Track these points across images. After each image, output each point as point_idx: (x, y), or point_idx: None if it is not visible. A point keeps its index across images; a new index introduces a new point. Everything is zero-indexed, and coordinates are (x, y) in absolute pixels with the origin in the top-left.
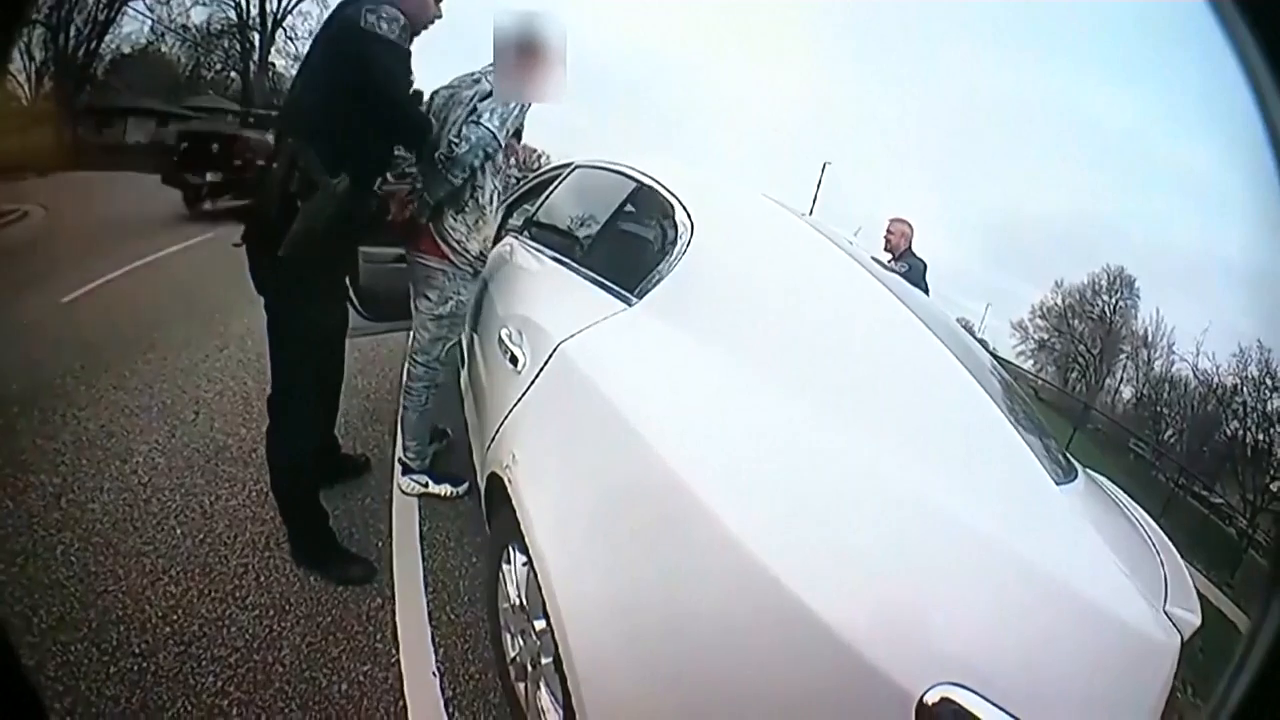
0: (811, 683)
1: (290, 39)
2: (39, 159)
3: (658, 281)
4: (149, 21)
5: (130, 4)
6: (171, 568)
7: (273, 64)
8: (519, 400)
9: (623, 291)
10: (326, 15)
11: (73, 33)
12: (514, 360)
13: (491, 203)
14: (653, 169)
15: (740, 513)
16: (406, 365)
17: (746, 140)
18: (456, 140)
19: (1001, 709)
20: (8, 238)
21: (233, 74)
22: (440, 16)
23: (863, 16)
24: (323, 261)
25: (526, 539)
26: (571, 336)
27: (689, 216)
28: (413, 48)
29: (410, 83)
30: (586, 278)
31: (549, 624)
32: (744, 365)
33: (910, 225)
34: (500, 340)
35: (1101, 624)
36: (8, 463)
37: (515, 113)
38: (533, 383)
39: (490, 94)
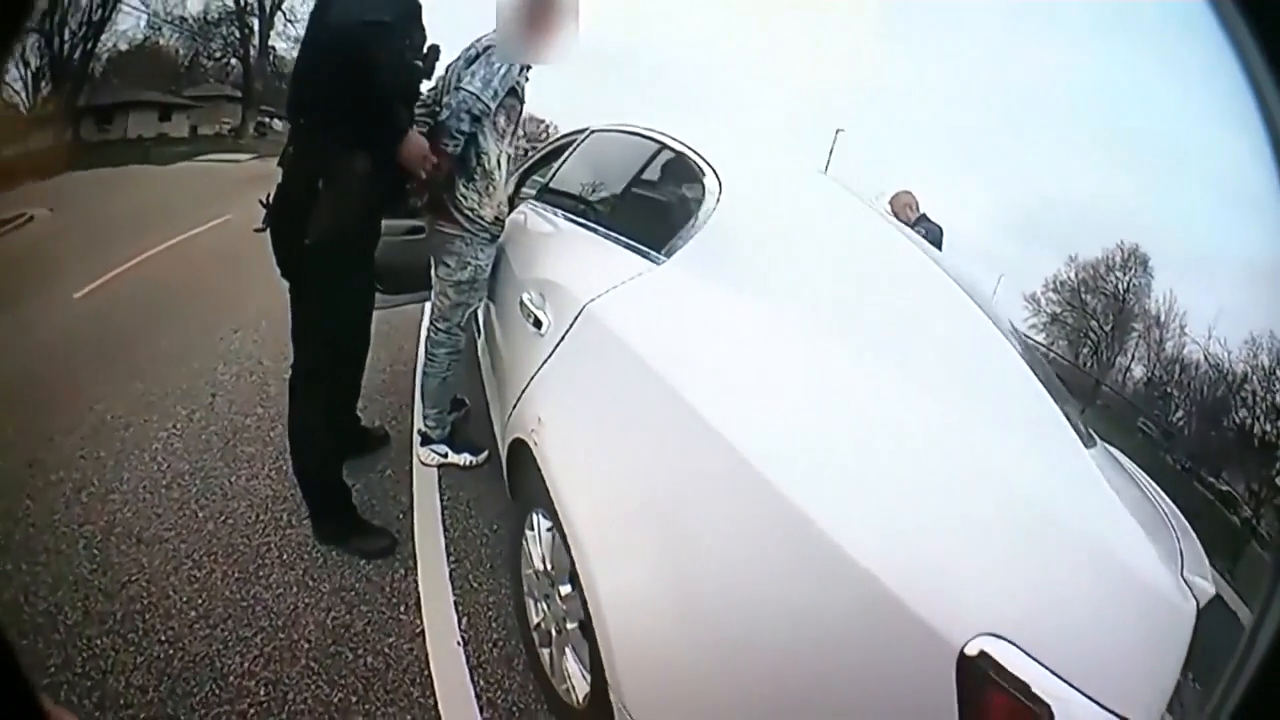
0: (854, 634)
1: (290, 21)
2: (38, 164)
3: (686, 240)
4: (144, 16)
5: (124, 0)
6: (194, 552)
7: (273, 48)
8: (544, 363)
9: (650, 250)
10: None
11: (67, 36)
12: (537, 324)
13: (499, 167)
14: (676, 130)
15: (781, 465)
16: (428, 333)
17: (764, 108)
18: (443, 109)
19: (1037, 660)
20: (13, 244)
21: (233, 60)
22: None
23: None
24: (353, 246)
25: (555, 503)
26: (598, 297)
27: (716, 174)
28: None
29: (399, 56)
30: (611, 239)
31: (576, 589)
32: (779, 319)
33: (913, 195)
34: (522, 304)
35: (1131, 584)
36: (29, 461)
37: (501, 72)
38: (558, 345)
39: (476, 57)
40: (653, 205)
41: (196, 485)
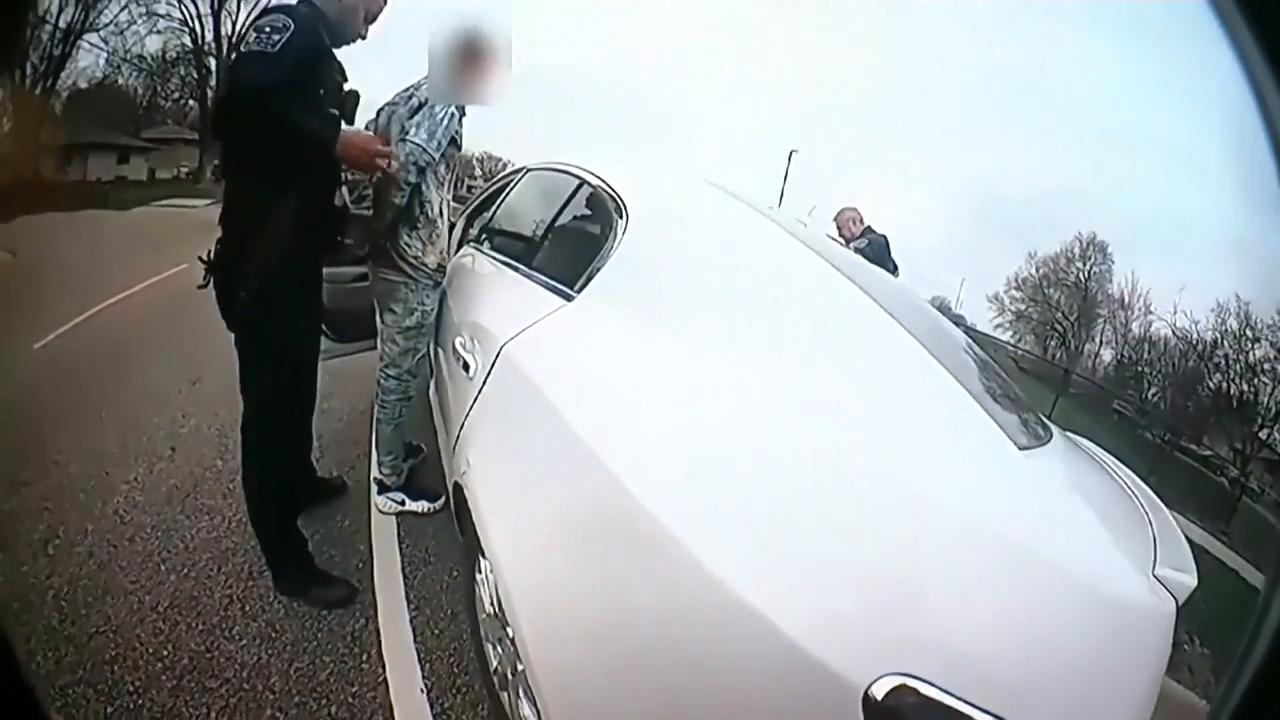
0: (757, 681)
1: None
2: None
3: (596, 273)
4: (104, 54)
5: (85, 36)
6: (159, 604)
7: None
8: (471, 406)
9: (563, 287)
10: None
11: (29, 70)
12: (466, 367)
13: (441, 215)
14: (590, 162)
15: (678, 511)
16: (379, 380)
17: (712, 123)
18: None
19: (958, 697)
20: None
21: (190, 101)
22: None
23: None
24: (287, 293)
25: (484, 547)
26: (513, 337)
27: (623, 205)
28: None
29: (292, 88)
30: (530, 278)
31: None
32: (683, 352)
33: (857, 210)
34: (454, 348)
35: (1081, 595)
36: None
37: (445, 123)
38: (481, 388)
39: (419, 108)
40: (570, 241)
41: (158, 538)
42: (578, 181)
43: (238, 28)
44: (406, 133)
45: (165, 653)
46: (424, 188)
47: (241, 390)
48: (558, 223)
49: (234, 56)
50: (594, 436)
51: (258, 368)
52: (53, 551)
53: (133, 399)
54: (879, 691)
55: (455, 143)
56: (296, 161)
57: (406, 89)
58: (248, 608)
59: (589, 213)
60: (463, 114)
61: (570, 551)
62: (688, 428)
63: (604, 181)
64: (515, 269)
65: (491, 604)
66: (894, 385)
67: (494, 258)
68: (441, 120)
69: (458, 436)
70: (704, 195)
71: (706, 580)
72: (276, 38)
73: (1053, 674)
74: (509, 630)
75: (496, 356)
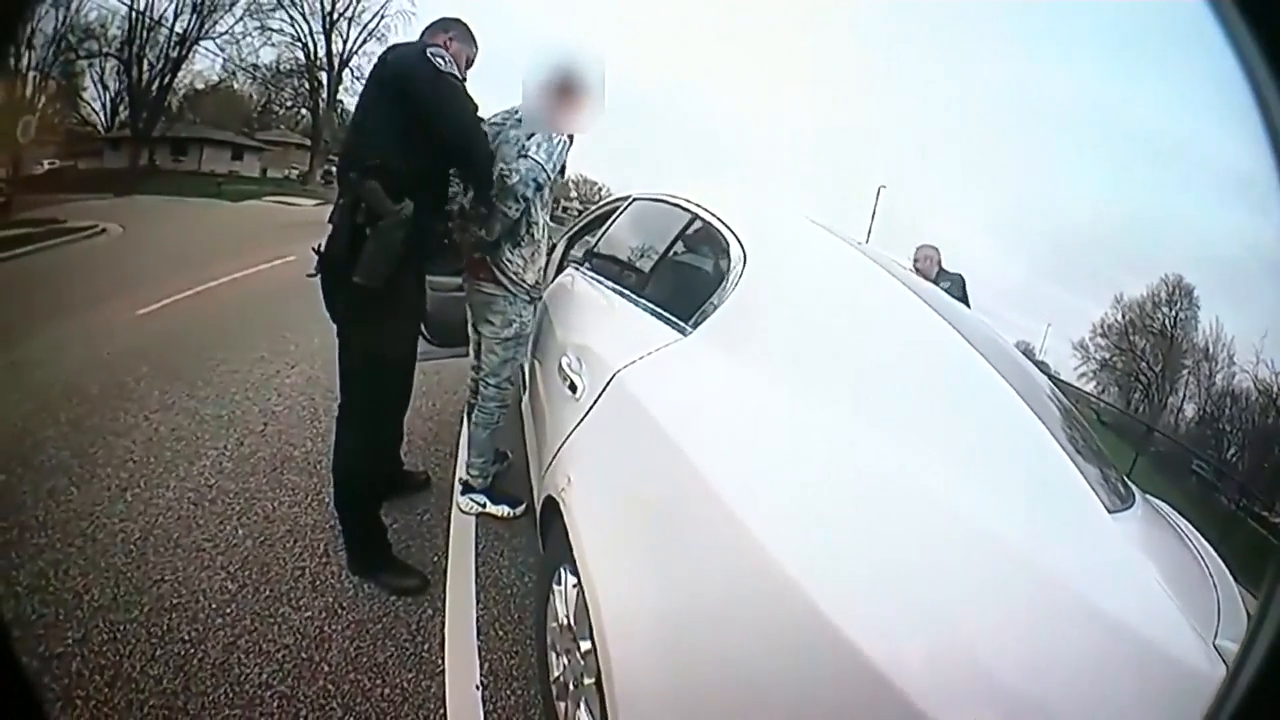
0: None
1: (357, 79)
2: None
3: (712, 311)
4: (219, 60)
5: (200, 43)
6: (229, 564)
7: (340, 102)
8: (576, 426)
9: (678, 321)
10: (377, 57)
11: (145, 67)
12: (573, 387)
13: (544, 235)
14: (704, 199)
15: (787, 542)
16: (479, 388)
17: (791, 168)
18: (508, 173)
19: None
20: (85, 251)
21: (303, 110)
22: (473, 63)
23: (885, 32)
24: (392, 289)
25: (577, 561)
26: (628, 365)
27: (741, 245)
28: None
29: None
30: (644, 308)
31: (593, 645)
32: (797, 393)
33: (936, 249)
34: (560, 368)
35: (1149, 657)
36: (76, 454)
37: (560, 148)
38: (590, 410)
39: (516, 128)
40: (683, 275)
41: (240, 504)
42: (690, 216)
43: (348, 46)
44: (527, 151)
45: (228, 610)
46: (532, 208)
47: (340, 377)
48: (669, 255)
49: (428, 69)
50: (707, 466)
51: (359, 362)
52: (130, 499)
53: (231, 373)
54: None
55: (561, 170)
56: (434, 169)
57: (515, 109)
58: (317, 582)
59: (703, 248)
60: (572, 141)
61: (670, 574)
62: (796, 466)
63: (718, 218)
64: (626, 296)
65: (566, 615)
66: (994, 441)
67: (601, 282)
68: (558, 144)
69: (556, 452)
70: (819, 240)
71: (809, 613)
72: (455, 66)
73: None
74: (580, 643)
75: (609, 382)
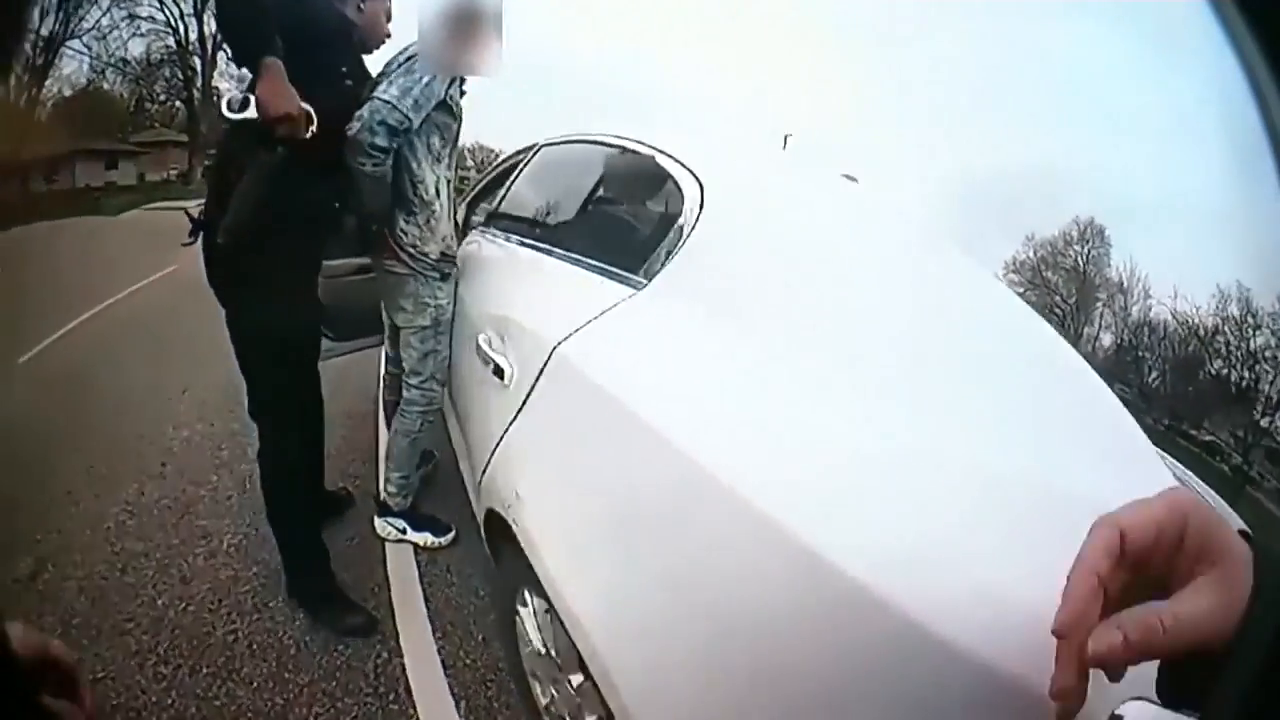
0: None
1: (230, 61)
2: None
3: (668, 257)
4: (87, 59)
5: (66, 44)
6: (158, 645)
7: (216, 88)
8: (513, 421)
9: (625, 274)
10: None
11: (12, 82)
12: (499, 372)
13: (439, 195)
14: (638, 133)
15: (792, 515)
16: (402, 389)
17: (705, 108)
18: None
19: None
20: None
21: (177, 103)
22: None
23: None
24: (275, 250)
25: (549, 594)
26: (569, 336)
27: (696, 180)
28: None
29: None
30: (577, 264)
31: (591, 682)
32: (780, 344)
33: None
34: (479, 348)
35: None
36: None
37: (424, 82)
38: (527, 398)
39: (389, 72)
40: (620, 221)
41: (152, 568)
42: (617, 151)
43: None
44: (375, 90)
45: (169, 701)
46: (413, 164)
47: (241, 368)
48: (596, 202)
49: None
50: (702, 448)
51: (252, 348)
52: (42, 586)
53: (120, 412)
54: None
55: (451, 111)
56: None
57: (400, 55)
58: (255, 645)
59: (641, 189)
60: (461, 84)
61: (673, 583)
62: (790, 432)
63: (662, 153)
64: (549, 253)
65: (542, 642)
66: (1046, 388)
67: (515, 242)
68: (420, 79)
69: (492, 453)
70: (791, 174)
71: (885, 610)
72: None
73: None
74: (570, 677)
75: (548, 360)
